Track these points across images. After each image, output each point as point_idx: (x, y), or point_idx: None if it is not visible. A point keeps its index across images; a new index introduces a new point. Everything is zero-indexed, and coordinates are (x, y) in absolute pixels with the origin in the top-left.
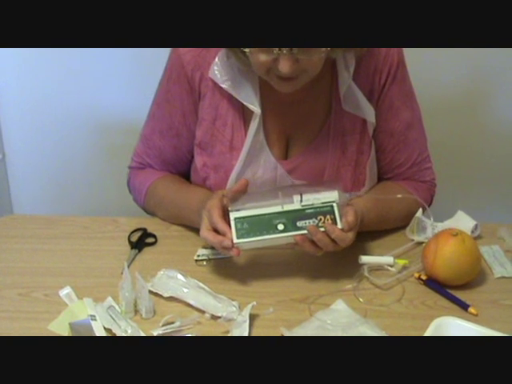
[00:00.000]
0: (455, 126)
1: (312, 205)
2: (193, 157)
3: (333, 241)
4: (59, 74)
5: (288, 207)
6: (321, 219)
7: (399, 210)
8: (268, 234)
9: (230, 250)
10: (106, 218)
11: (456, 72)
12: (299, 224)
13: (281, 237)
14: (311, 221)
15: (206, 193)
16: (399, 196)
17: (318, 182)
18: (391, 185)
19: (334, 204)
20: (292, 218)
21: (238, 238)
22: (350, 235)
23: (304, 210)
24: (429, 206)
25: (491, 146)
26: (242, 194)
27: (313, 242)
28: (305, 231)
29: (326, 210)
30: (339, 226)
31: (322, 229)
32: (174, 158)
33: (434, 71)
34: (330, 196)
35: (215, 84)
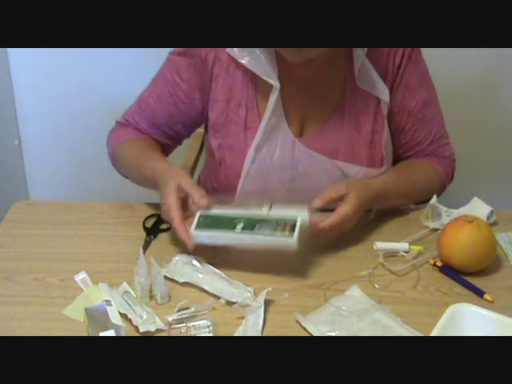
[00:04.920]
0: (472, 112)
1: (277, 215)
2: (186, 129)
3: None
4: (73, 59)
5: (253, 212)
6: (279, 227)
7: (422, 183)
8: (224, 230)
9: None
10: (121, 204)
11: (474, 58)
12: (257, 227)
13: (237, 236)
14: (270, 227)
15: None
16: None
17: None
18: (414, 161)
19: (299, 219)
20: (252, 222)
21: (195, 229)
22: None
23: (268, 219)
24: (451, 180)
25: (507, 132)
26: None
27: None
28: (261, 236)
29: (288, 221)
30: (295, 237)
31: (278, 234)
32: (165, 124)
33: (451, 57)
34: (300, 214)
35: (229, 65)
